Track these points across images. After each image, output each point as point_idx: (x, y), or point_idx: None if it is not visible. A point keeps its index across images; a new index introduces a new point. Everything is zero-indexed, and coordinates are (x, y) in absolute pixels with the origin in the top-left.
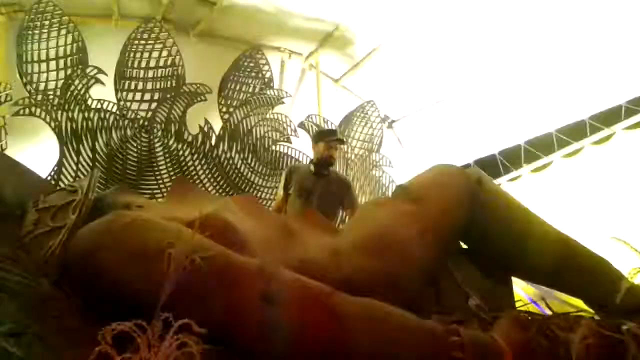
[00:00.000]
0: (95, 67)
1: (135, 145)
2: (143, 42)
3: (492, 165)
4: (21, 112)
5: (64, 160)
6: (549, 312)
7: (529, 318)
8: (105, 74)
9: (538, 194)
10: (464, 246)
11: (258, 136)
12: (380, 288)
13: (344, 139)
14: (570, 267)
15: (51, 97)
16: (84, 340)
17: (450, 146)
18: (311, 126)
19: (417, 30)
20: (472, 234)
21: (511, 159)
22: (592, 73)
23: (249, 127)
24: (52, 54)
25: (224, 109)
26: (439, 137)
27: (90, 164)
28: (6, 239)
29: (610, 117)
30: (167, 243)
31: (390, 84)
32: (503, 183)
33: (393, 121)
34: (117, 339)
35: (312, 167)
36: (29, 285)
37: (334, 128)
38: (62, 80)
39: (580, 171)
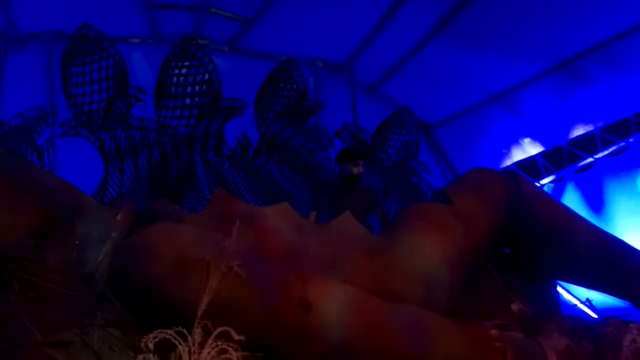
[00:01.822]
0: (136, 87)
1: (176, 160)
2: (180, 60)
3: (534, 168)
4: (67, 132)
5: (108, 177)
6: (595, 316)
7: (575, 322)
8: (146, 93)
9: (583, 195)
10: (505, 251)
11: (294, 147)
12: (422, 294)
13: (367, 153)
14: (616, 268)
15: (95, 117)
16: (128, 349)
17: (490, 150)
18: (347, 135)
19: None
20: (512, 237)
21: (553, 160)
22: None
23: (286, 139)
24: (94, 76)
25: (261, 122)
26: (478, 142)
27: (133, 180)
28: (55, 252)
29: None
30: (205, 253)
31: (427, 89)
32: (546, 185)
33: (430, 126)
34: (160, 348)
35: (338, 184)
36: (76, 296)
37: (358, 143)
38: (105, 101)
39: (624, 169)
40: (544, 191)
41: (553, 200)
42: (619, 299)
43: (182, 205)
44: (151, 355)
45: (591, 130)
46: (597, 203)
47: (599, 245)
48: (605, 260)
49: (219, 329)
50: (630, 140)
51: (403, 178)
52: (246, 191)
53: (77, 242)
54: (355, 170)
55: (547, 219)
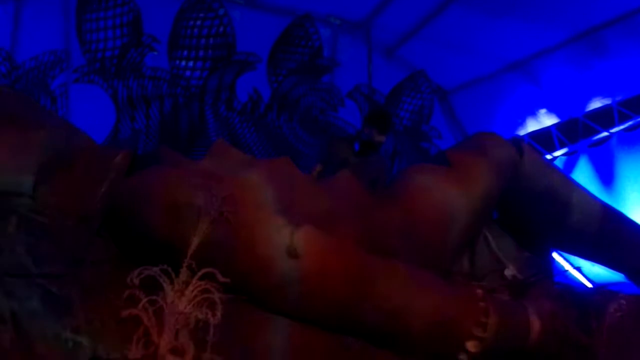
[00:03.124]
0: (150, 36)
1: (187, 111)
2: (195, 11)
3: (547, 140)
4: (80, 79)
5: (119, 125)
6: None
7: (562, 289)
8: (159, 42)
9: (595, 169)
10: (503, 216)
11: (306, 105)
12: (415, 252)
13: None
14: (612, 238)
15: (108, 65)
16: (119, 284)
17: (505, 119)
18: (360, 96)
19: None
20: (512, 203)
21: (568, 133)
22: None
23: (298, 96)
24: (109, 23)
25: (273, 78)
26: (493, 110)
27: (145, 130)
28: (54, 190)
29: None
30: (197, 197)
31: (445, 54)
32: (559, 157)
33: (446, 92)
34: (150, 286)
35: (356, 147)
36: (71, 232)
37: (388, 113)
38: (119, 49)
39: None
40: (546, 160)
41: (555, 169)
42: (613, 271)
43: (191, 155)
44: (137, 291)
45: (609, 104)
46: (608, 177)
47: (597, 216)
48: (601, 232)
49: (204, 270)
50: None
51: (414, 142)
52: (255, 146)
53: (75, 180)
54: (378, 138)
55: (547, 187)
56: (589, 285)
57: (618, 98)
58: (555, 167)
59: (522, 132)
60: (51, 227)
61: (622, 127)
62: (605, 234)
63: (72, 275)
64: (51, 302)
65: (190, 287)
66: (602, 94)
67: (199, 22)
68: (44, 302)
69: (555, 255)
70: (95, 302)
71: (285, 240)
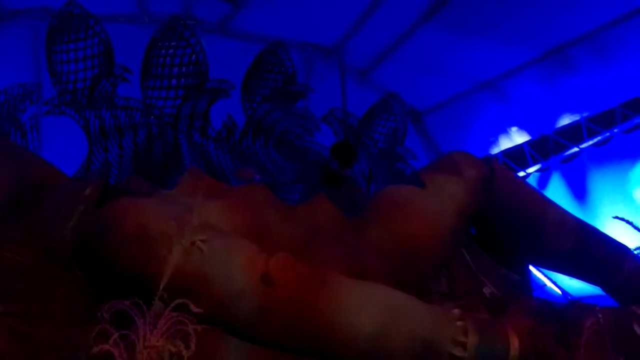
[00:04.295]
0: (122, 66)
1: (161, 141)
2: (167, 40)
3: (520, 157)
4: (51, 111)
5: (92, 156)
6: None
7: (540, 305)
8: (131, 72)
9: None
10: (479, 234)
11: (281, 131)
12: (391, 273)
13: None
14: (587, 252)
15: (80, 96)
16: (90, 320)
17: (478, 138)
18: (334, 120)
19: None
20: (486, 220)
21: (540, 149)
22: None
23: (272, 122)
24: (80, 54)
25: (247, 104)
26: (466, 130)
27: (118, 160)
28: (20, 224)
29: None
30: (168, 227)
31: (418, 76)
32: (532, 174)
33: (420, 113)
34: (121, 320)
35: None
36: (39, 268)
37: (351, 145)
38: (90, 80)
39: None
40: (518, 177)
41: (527, 186)
42: (589, 284)
43: (167, 184)
44: (107, 325)
45: (577, 120)
46: (580, 192)
47: (571, 231)
48: (576, 246)
49: (176, 301)
50: (615, 130)
51: (389, 164)
52: (231, 173)
53: (44, 214)
54: (342, 171)
55: (520, 204)
56: (566, 298)
57: (586, 114)
58: (527, 183)
59: (495, 150)
60: (18, 264)
61: (590, 142)
62: (579, 248)
63: (40, 312)
64: (19, 341)
65: (163, 320)
66: (571, 110)
67: (170, 51)
68: (11, 342)
69: (532, 269)
70: (66, 338)
71: (260, 267)
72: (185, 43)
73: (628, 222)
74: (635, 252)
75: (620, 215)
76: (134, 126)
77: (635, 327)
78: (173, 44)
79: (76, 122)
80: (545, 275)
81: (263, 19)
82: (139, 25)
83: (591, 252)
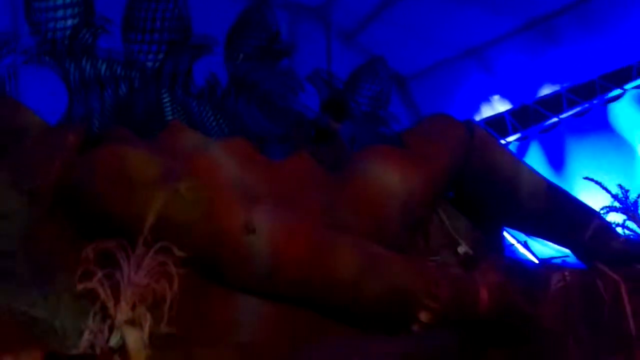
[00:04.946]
0: (102, 17)
1: (143, 95)
2: None
3: (501, 125)
4: (30, 60)
5: (73, 108)
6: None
7: (510, 263)
8: (111, 22)
9: (546, 154)
10: (450, 194)
11: (264, 90)
12: (370, 229)
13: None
14: (557, 215)
15: (59, 46)
16: (74, 262)
17: (461, 105)
18: (318, 81)
19: None
20: (464, 182)
21: (520, 119)
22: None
23: (255, 81)
24: (59, 3)
25: (230, 63)
26: (450, 96)
27: (99, 112)
28: (2, 167)
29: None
30: (152, 173)
31: (404, 40)
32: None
33: (405, 79)
34: (106, 262)
35: (313, 132)
36: (26, 210)
37: (344, 101)
38: (70, 29)
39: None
40: (497, 140)
41: (505, 150)
42: (560, 247)
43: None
44: (92, 265)
45: (557, 90)
46: (558, 162)
47: (544, 195)
48: (548, 210)
49: (160, 244)
50: (595, 102)
51: (372, 127)
52: (213, 130)
53: (26, 159)
54: (334, 125)
55: (497, 167)
56: (536, 260)
57: (566, 85)
58: (504, 147)
59: (477, 118)
60: (3, 204)
61: (570, 112)
62: (551, 211)
63: (24, 252)
64: (3, 278)
65: (147, 260)
66: (552, 81)
67: (153, 5)
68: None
69: (505, 233)
70: (50, 278)
71: (242, 215)
72: None
73: (596, 182)
74: (601, 212)
75: (595, 180)
76: (116, 79)
77: (598, 282)
78: None
79: (55, 72)
80: (518, 240)
81: None
82: None
83: (561, 213)
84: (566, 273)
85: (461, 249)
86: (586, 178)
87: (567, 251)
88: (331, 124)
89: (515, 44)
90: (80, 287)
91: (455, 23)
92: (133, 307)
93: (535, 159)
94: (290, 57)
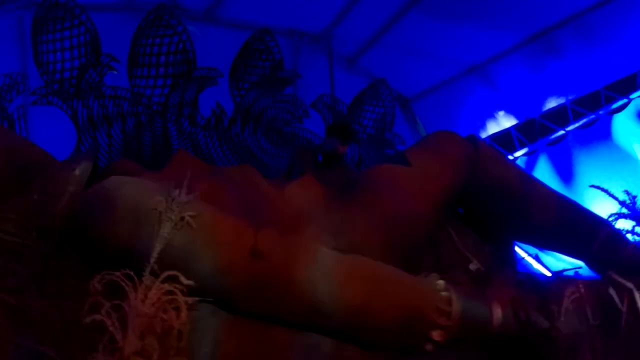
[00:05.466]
0: (108, 55)
1: (149, 130)
2: (154, 29)
3: (507, 141)
4: (39, 101)
5: (81, 146)
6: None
7: (522, 277)
8: (118, 61)
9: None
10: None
11: (270, 118)
12: (379, 250)
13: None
14: (569, 227)
15: (67, 85)
16: (82, 295)
17: (466, 123)
18: (323, 107)
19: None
20: (472, 198)
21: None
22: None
23: (261, 109)
24: (66, 44)
25: (236, 92)
26: (454, 115)
27: (107, 150)
28: (12, 206)
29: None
30: (158, 203)
31: (405, 62)
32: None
33: (408, 100)
34: (113, 293)
35: (320, 158)
36: (32, 247)
37: (350, 124)
38: (77, 69)
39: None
40: (502, 155)
41: (511, 164)
42: (572, 259)
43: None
44: (99, 296)
45: (563, 103)
46: (567, 174)
47: (554, 207)
48: (558, 222)
49: (167, 273)
50: (600, 112)
51: (378, 149)
52: (220, 160)
53: (35, 196)
54: (341, 149)
55: (504, 181)
56: (548, 273)
57: (571, 97)
58: (510, 161)
59: (483, 135)
60: (11, 243)
61: (576, 125)
62: (562, 223)
63: (34, 288)
64: (12, 315)
65: (154, 290)
66: (556, 93)
67: (157, 40)
68: (5, 316)
69: (516, 247)
70: (59, 313)
71: (248, 242)
72: (172, 31)
73: (603, 189)
74: (610, 219)
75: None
76: (123, 115)
77: (611, 291)
78: (160, 32)
79: (64, 112)
80: (529, 254)
81: (250, 7)
82: (126, 15)
83: (571, 224)
84: (580, 285)
85: (473, 266)
86: (593, 186)
87: (579, 263)
88: (338, 147)
89: (517, 59)
90: (88, 319)
91: (456, 41)
92: (141, 338)
93: (544, 173)
94: (294, 84)
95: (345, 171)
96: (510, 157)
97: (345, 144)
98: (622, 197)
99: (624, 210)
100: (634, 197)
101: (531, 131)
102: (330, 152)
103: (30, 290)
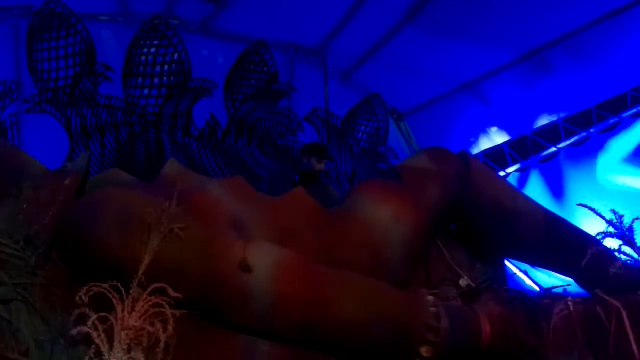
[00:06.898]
0: (103, 64)
1: (143, 139)
2: (149, 39)
3: (500, 157)
4: (32, 108)
5: (73, 155)
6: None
7: (512, 294)
8: (113, 71)
9: (546, 183)
10: (452, 227)
11: (263, 130)
12: (369, 265)
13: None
14: (558, 244)
15: (61, 94)
16: (69, 306)
17: (459, 139)
18: (316, 119)
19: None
20: (461, 214)
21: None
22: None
23: (254, 121)
24: (61, 52)
25: (230, 103)
26: (447, 130)
27: (100, 159)
28: (2, 214)
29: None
30: (147, 214)
31: (399, 77)
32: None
33: (402, 114)
34: (101, 304)
35: (297, 177)
36: (20, 256)
37: (323, 143)
38: (71, 78)
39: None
40: (493, 171)
41: (501, 181)
42: (561, 276)
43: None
44: (86, 308)
45: (555, 121)
46: (558, 191)
47: (543, 224)
48: (548, 239)
49: (155, 285)
50: (592, 130)
51: (371, 163)
52: (213, 171)
53: (24, 205)
54: (317, 167)
55: (494, 198)
56: (538, 289)
57: (563, 115)
58: (501, 178)
59: (476, 151)
60: (0, 252)
61: (568, 142)
62: (551, 240)
63: (21, 299)
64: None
65: (141, 303)
66: (548, 111)
67: (153, 50)
68: None
69: (507, 263)
70: (45, 324)
71: (237, 255)
72: (167, 42)
73: (590, 208)
74: (598, 237)
75: (589, 207)
76: (116, 125)
77: (599, 310)
78: (155, 42)
79: (57, 120)
80: (520, 270)
81: (246, 20)
82: (121, 25)
83: (560, 242)
84: (569, 302)
85: (463, 282)
86: (580, 205)
87: (569, 280)
88: (315, 165)
89: (510, 76)
90: (74, 331)
91: (450, 58)
92: (128, 351)
93: (536, 189)
94: (288, 97)
95: (324, 189)
96: (503, 173)
97: (321, 162)
98: (609, 216)
99: (611, 229)
100: (621, 216)
101: (523, 147)
102: (307, 171)
103: (17, 302)
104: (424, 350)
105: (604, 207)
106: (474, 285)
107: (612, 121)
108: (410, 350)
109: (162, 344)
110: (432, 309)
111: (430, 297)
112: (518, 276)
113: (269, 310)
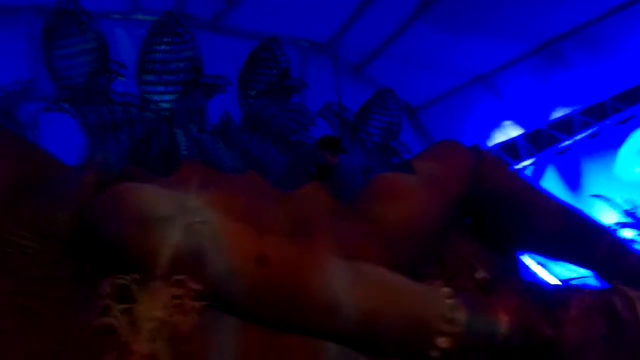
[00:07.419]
0: (116, 62)
1: (157, 136)
2: (160, 36)
3: (514, 151)
4: (49, 107)
5: (91, 152)
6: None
7: (529, 286)
8: (126, 68)
9: (561, 176)
10: (467, 221)
11: (277, 126)
12: (384, 258)
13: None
14: (575, 236)
15: (76, 92)
16: (91, 300)
17: (473, 132)
18: (329, 114)
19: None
20: (475, 207)
21: (534, 143)
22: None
23: (268, 117)
24: (74, 51)
25: (243, 100)
26: (461, 124)
27: (115, 156)
28: (22, 211)
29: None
30: (167, 208)
31: (412, 71)
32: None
33: (415, 109)
34: (123, 296)
35: (313, 170)
36: (44, 251)
37: (337, 137)
38: (85, 76)
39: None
40: (505, 164)
41: (514, 173)
42: (579, 268)
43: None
44: (108, 299)
45: (569, 113)
46: (574, 184)
47: (560, 216)
48: (561, 231)
49: (175, 277)
50: (607, 123)
51: (384, 158)
52: (228, 167)
53: (44, 202)
54: (331, 160)
55: (507, 191)
56: (555, 282)
57: (577, 107)
58: (514, 170)
59: (490, 144)
60: (25, 247)
61: (583, 134)
62: (567, 232)
63: (49, 293)
64: (28, 320)
65: (163, 295)
66: (563, 103)
67: (164, 47)
68: (20, 320)
69: (523, 256)
70: (68, 318)
71: (254, 248)
72: (179, 39)
73: (605, 198)
74: (614, 227)
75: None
76: (131, 122)
77: (615, 301)
78: (166, 39)
79: (74, 118)
80: (537, 262)
81: (257, 16)
82: (133, 22)
83: (576, 234)
84: (586, 294)
85: (478, 274)
86: (594, 195)
87: (586, 272)
88: (329, 158)
89: (523, 69)
90: (97, 322)
91: (462, 51)
92: (152, 341)
93: (552, 182)
94: (300, 93)
95: (339, 183)
96: (517, 167)
97: (335, 155)
98: (625, 206)
99: (628, 219)
100: (636, 206)
101: (538, 141)
102: (322, 164)
103: (45, 295)
104: (441, 341)
105: (621, 199)
106: (489, 277)
107: (627, 114)
108: (427, 341)
109: (183, 335)
110: (449, 301)
111: (446, 289)
112: (534, 269)
113: (287, 302)
